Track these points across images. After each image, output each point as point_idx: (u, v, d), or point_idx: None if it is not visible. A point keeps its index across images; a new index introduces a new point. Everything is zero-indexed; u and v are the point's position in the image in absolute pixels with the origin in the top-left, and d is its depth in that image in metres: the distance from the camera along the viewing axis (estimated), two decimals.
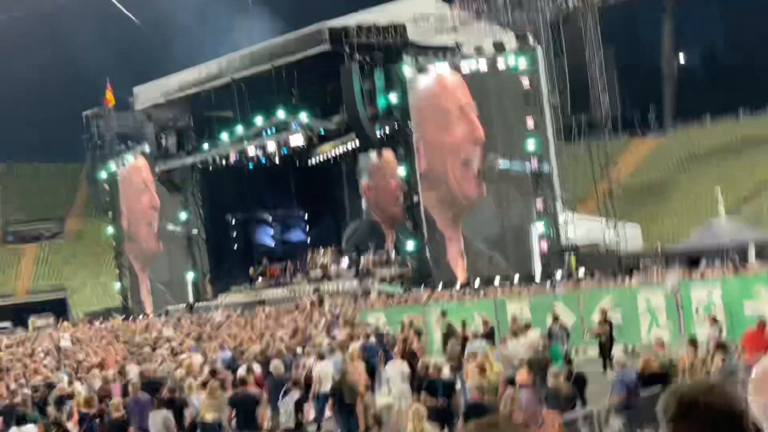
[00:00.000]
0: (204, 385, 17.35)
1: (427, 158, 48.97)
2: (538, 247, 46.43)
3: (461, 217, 48.81)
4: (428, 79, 48.83)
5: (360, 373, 17.81)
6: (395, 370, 17.94)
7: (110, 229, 68.68)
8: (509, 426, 2.07)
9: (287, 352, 21.93)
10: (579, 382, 15.19)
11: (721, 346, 16.22)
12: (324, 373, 18.04)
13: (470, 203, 48.34)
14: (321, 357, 18.70)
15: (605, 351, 22.33)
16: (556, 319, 22.53)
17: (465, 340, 21.34)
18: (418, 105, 49.12)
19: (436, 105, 48.66)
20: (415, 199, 49.67)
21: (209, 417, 14.74)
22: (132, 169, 64.78)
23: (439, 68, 48.85)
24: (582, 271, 44.25)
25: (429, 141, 48.86)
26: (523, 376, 16.39)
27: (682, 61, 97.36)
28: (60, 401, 17.23)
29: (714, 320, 19.02)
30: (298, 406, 15.53)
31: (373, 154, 57.92)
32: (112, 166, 66.32)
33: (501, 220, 47.83)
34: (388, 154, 55.67)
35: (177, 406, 15.64)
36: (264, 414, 15.92)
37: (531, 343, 18.43)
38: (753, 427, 2.37)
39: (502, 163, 46.72)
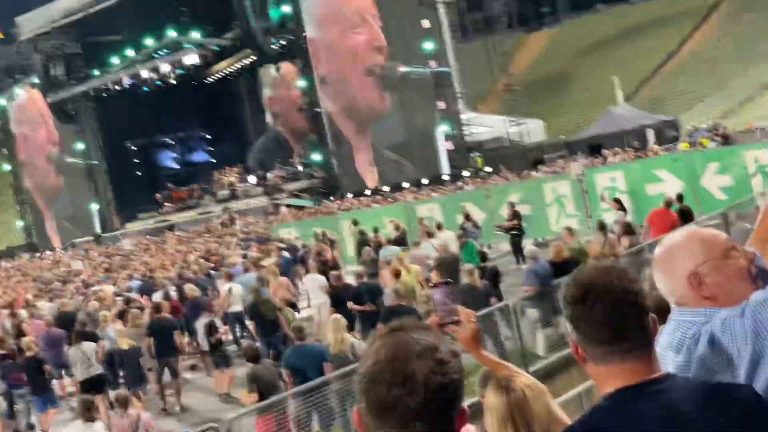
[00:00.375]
0: (120, 315, 17.13)
1: (328, 66, 48.42)
2: (444, 148, 46.62)
3: (367, 126, 48.65)
4: None
5: (281, 288, 17.83)
6: (313, 282, 17.96)
7: (6, 166, 66.85)
8: (416, 327, 2.02)
9: (201, 274, 21.78)
10: (493, 275, 15.39)
11: (627, 229, 16.57)
12: (233, 293, 17.96)
13: (374, 112, 48.17)
14: (229, 277, 18.62)
15: (517, 244, 22.69)
16: (467, 217, 22.73)
17: (379, 246, 21.46)
18: (318, 12, 48.27)
19: (337, 11, 48.00)
20: (318, 109, 49.27)
21: (125, 345, 14.55)
22: (25, 102, 62.80)
23: None
24: (488, 168, 44.71)
25: (330, 48, 48.22)
26: (435, 276, 16.56)
27: None
28: None
29: (619, 204, 19.41)
30: (209, 329, 15.47)
31: (272, 68, 56.92)
32: (2, 100, 64.20)
33: (406, 126, 47.85)
34: (288, 65, 54.83)
35: (91, 338, 15.43)
36: (182, 339, 15.81)
37: (442, 243, 18.59)
38: (655, 305, 2.38)
39: (403, 69, 46.47)
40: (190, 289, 17.96)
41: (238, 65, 61.00)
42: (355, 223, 25.24)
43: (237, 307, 17.70)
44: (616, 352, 2.29)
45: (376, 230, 23.67)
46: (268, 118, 63.35)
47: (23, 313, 19.66)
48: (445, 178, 44.69)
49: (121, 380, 14.94)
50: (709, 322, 2.48)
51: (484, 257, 16.34)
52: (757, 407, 2.23)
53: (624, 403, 2.27)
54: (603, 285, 2.30)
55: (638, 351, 2.29)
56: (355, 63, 47.55)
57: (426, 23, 45.66)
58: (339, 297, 15.66)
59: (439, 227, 21.11)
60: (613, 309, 2.27)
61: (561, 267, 14.28)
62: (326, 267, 19.14)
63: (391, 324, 2.07)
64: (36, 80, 59.10)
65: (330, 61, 48.18)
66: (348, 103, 48.31)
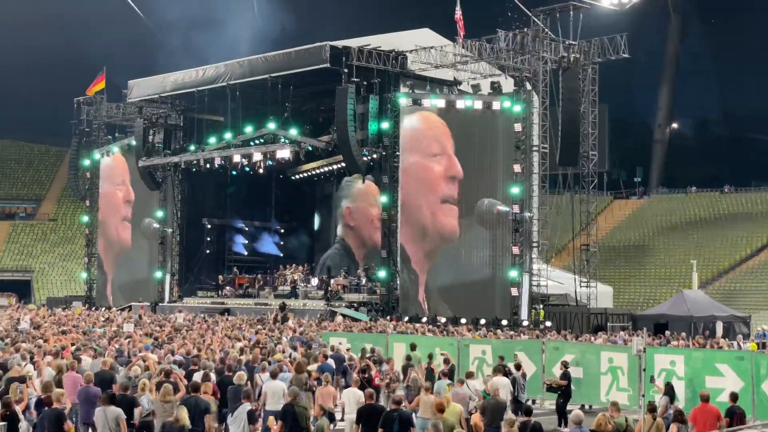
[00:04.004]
0: (158, 385, 17.14)
1: (404, 190, 49.12)
2: (509, 293, 46.20)
3: (435, 253, 48.81)
4: (413, 112, 49.14)
5: (326, 396, 17.85)
6: (351, 397, 17.81)
7: (85, 218, 68.43)
8: None
9: (245, 364, 21.68)
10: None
11: (679, 417, 16.20)
12: (273, 390, 17.80)
13: (444, 240, 48.47)
14: (274, 375, 18.54)
15: (561, 405, 22.28)
16: (518, 367, 22.37)
17: (431, 373, 21.62)
18: (404, 136, 49.34)
19: (420, 138, 49.13)
20: (393, 227, 49.54)
21: (164, 420, 14.44)
22: (113, 160, 64.76)
23: (435, 102, 49.00)
24: (549, 323, 44.21)
25: (409, 174, 49.06)
26: (476, 419, 16.29)
27: (674, 127, 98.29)
28: (10, 383, 16.91)
29: (667, 388, 19.07)
30: (251, 418, 15.39)
31: (358, 180, 57.62)
32: (97, 154, 66.16)
33: (474, 262, 47.88)
34: (372, 183, 55.54)
35: (125, 403, 15.36)
36: (211, 423, 15.64)
37: (495, 387, 18.27)
38: None
39: (502, 208, 46.58)
40: (239, 377, 17.84)
41: (326, 168, 61.93)
42: (413, 347, 25.10)
43: (277, 405, 17.43)
44: None
45: (429, 357, 23.61)
46: (339, 230, 63.90)
47: (66, 363, 19.73)
48: (504, 322, 44.21)
49: None
50: None
51: (529, 411, 15.97)
52: None
53: None
54: None
55: None
56: (430, 190, 48.51)
57: (517, 167, 45.96)
58: (368, 417, 15.40)
59: (496, 371, 20.79)
60: None
61: None
62: (369, 384, 19.00)
63: None
64: (133, 142, 60.70)
65: (406, 187, 49.04)
66: (419, 228, 48.92)
